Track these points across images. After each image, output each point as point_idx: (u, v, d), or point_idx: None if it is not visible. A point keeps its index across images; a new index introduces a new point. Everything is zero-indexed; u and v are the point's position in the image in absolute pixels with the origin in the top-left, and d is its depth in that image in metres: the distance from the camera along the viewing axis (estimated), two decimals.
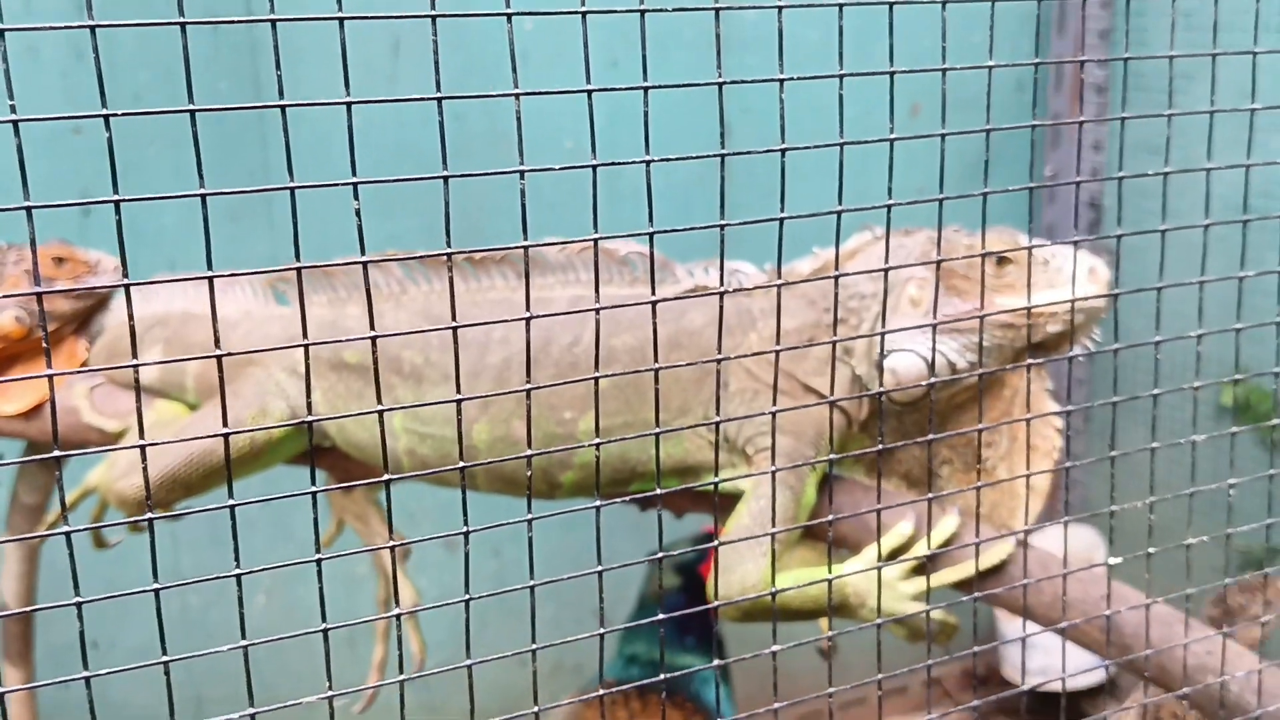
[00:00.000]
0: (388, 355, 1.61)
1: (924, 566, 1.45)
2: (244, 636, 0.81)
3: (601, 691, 1.02)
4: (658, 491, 0.94)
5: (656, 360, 0.92)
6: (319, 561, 0.79)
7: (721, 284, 0.95)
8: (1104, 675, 3.16)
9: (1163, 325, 1.30)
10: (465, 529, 0.83)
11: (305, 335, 0.76)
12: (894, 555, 1.48)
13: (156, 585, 0.74)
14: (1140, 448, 1.24)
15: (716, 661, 1.12)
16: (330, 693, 0.84)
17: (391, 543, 0.80)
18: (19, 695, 1.96)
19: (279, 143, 2.74)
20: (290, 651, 1.89)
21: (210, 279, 0.71)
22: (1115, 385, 1.24)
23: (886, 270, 1.10)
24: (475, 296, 1.62)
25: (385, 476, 0.81)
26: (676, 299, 0.96)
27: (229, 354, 0.73)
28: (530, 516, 0.87)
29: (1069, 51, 3.32)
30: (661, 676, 1.03)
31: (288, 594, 2.83)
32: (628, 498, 1.02)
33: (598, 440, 0.92)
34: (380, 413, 0.78)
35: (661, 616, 1.01)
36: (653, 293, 0.90)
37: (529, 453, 0.87)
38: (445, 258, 0.77)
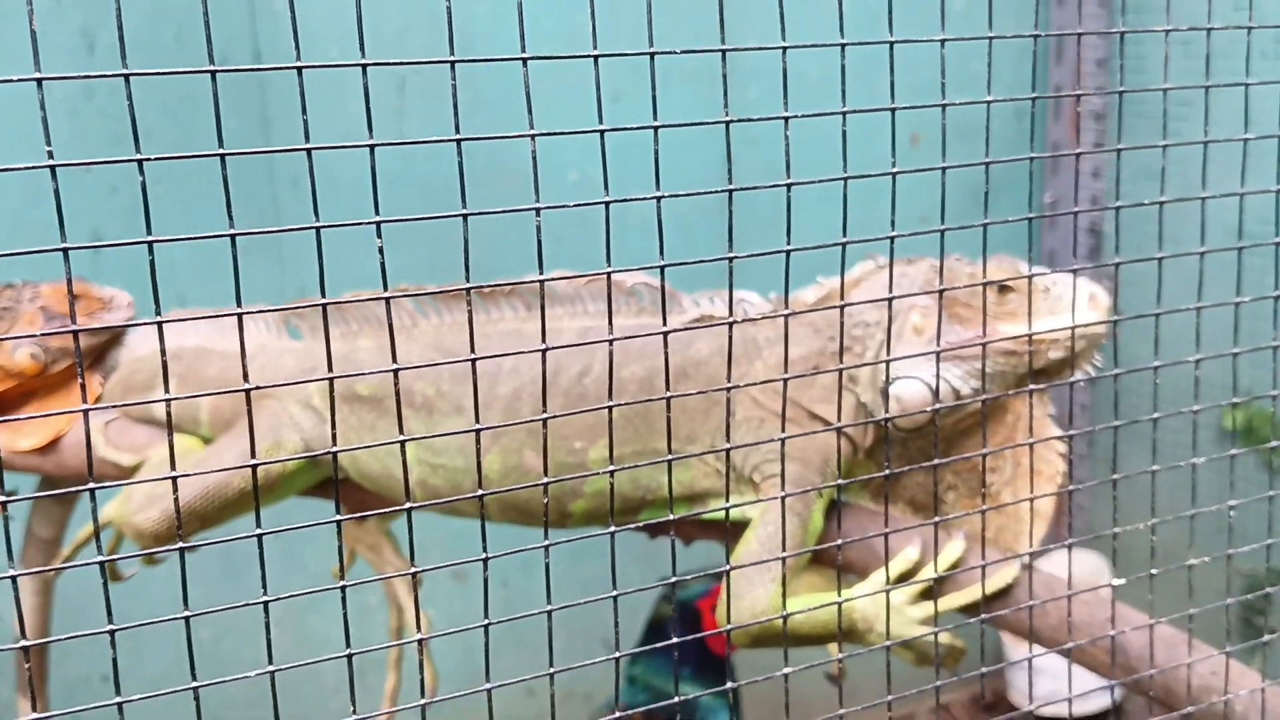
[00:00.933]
0: (399, 387, 1.63)
1: (931, 591, 1.47)
2: (271, 661, 0.83)
3: (617, 714, 1.04)
4: (670, 517, 0.96)
5: (668, 389, 0.95)
6: (344, 588, 0.82)
7: (731, 313, 0.98)
8: (1110, 700, 3.17)
9: (1165, 349, 1.32)
10: (484, 555, 0.85)
11: (331, 369, 0.79)
12: (901, 580, 1.49)
13: (187, 613, 0.76)
14: (1140, 470, 1.26)
15: (728, 685, 1.13)
16: (355, 717, 0.86)
17: (411, 569, 0.82)
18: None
19: (286, 178, 2.78)
20: (303, 685, 1.90)
21: (240, 315, 0.74)
22: (1116, 409, 1.26)
23: (891, 299, 1.12)
24: (486, 329, 1.65)
25: (406, 505, 0.83)
26: (685, 329, 0.98)
27: (255, 387, 0.75)
28: (546, 543, 0.89)
29: (1067, 79, 3.36)
30: (676, 699, 1.05)
31: (299, 626, 2.85)
32: (637, 525, 1.04)
33: (611, 469, 0.95)
34: (402, 442, 0.81)
35: (663, 644, 1.03)
36: (664, 323, 0.93)
37: (543, 481, 0.89)
38: (465, 292, 0.79)
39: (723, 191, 0.91)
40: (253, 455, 0.80)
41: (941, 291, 1.21)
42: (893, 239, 1.04)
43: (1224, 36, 1.27)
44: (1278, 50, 2.74)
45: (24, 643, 0.75)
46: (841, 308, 1.07)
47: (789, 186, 0.92)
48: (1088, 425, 3.50)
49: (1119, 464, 1.36)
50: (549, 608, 0.91)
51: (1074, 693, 1.39)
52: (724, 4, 0.92)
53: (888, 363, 1.44)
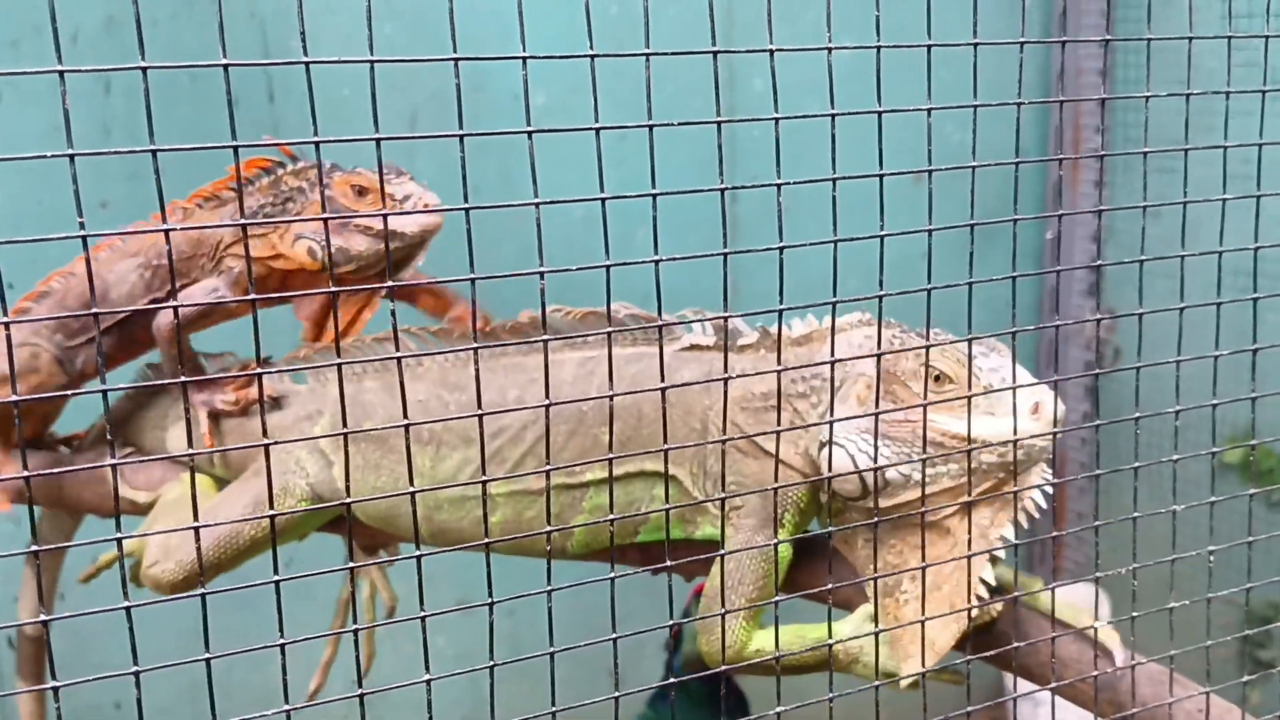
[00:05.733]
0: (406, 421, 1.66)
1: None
2: (286, 701, 0.87)
3: None
4: (668, 562, 1.00)
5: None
6: (356, 632, 0.86)
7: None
8: None
9: (1163, 380, 1.35)
10: (490, 600, 0.89)
11: (344, 422, 0.83)
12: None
13: (207, 655, 0.80)
14: (1126, 516, 1.30)
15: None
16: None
17: (422, 614, 0.86)
18: (30, 710, 2.03)
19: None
20: (306, 714, 1.93)
21: (259, 375, 0.78)
22: (1098, 459, 1.30)
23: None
24: (489, 363, 1.67)
25: (418, 553, 0.87)
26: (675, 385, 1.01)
27: (275, 442, 0.80)
28: (549, 589, 0.93)
29: (1065, 118, 3.41)
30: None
31: (306, 656, 2.88)
32: (645, 569, 1.08)
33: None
34: (412, 494, 0.85)
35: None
36: (661, 378, 0.97)
37: (545, 529, 0.93)
38: (473, 350, 0.84)
39: (718, 254, 0.95)
40: (270, 506, 0.84)
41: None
42: (880, 298, 1.08)
43: (1214, 78, 1.31)
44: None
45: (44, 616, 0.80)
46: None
47: (780, 249, 0.97)
48: (1088, 458, 3.54)
49: (1117, 496, 1.39)
50: (551, 649, 0.96)
51: None
52: (731, 44, 0.96)
53: (781, 433, 1.45)
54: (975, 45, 1.02)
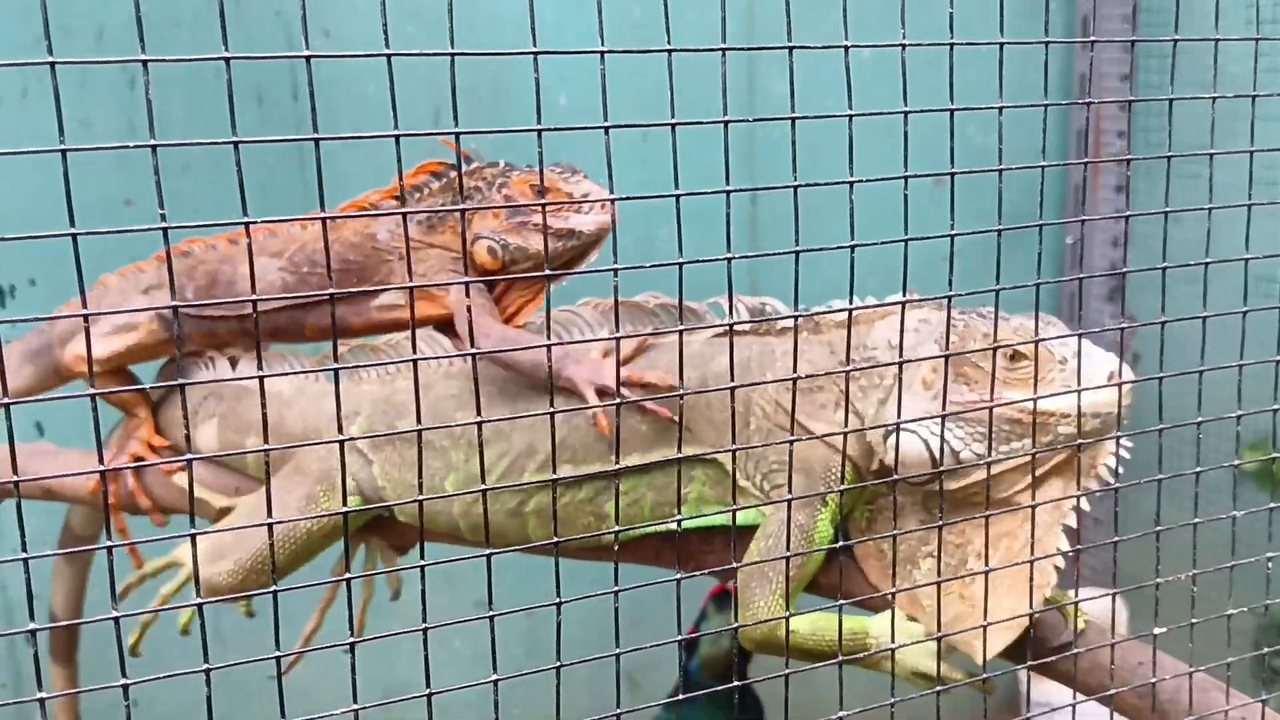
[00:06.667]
0: (441, 418, 1.65)
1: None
2: (355, 700, 0.86)
3: None
4: (732, 566, 0.99)
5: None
6: (425, 630, 0.85)
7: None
8: None
9: (1184, 390, 1.34)
10: (558, 601, 0.89)
11: (419, 418, 0.82)
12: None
13: (278, 654, 0.80)
14: (1184, 523, 1.29)
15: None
16: None
17: (489, 613, 0.85)
18: (61, 699, 2.04)
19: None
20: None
21: (336, 370, 0.77)
22: (1161, 464, 1.29)
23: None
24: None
25: (486, 551, 0.87)
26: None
27: (350, 439, 0.79)
28: (616, 589, 0.93)
29: (1089, 120, 3.39)
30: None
31: (329, 660, 2.86)
32: (704, 571, 1.08)
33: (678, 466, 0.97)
34: (484, 491, 0.84)
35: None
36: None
37: (606, 532, 0.93)
38: (549, 344, 0.83)
39: (789, 253, 0.95)
40: (344, 503, 0.83)
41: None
42: (950, 298, 1.07)
43: (1238, 83, 1.30)
44: None
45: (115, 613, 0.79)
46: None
47: (851, 248, 0.96)
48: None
49: (1137, 504, 1.38)
50: (617, 651, 0.95)
51: None
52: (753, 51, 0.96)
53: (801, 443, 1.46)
54: (1046, 44, 1.02)
